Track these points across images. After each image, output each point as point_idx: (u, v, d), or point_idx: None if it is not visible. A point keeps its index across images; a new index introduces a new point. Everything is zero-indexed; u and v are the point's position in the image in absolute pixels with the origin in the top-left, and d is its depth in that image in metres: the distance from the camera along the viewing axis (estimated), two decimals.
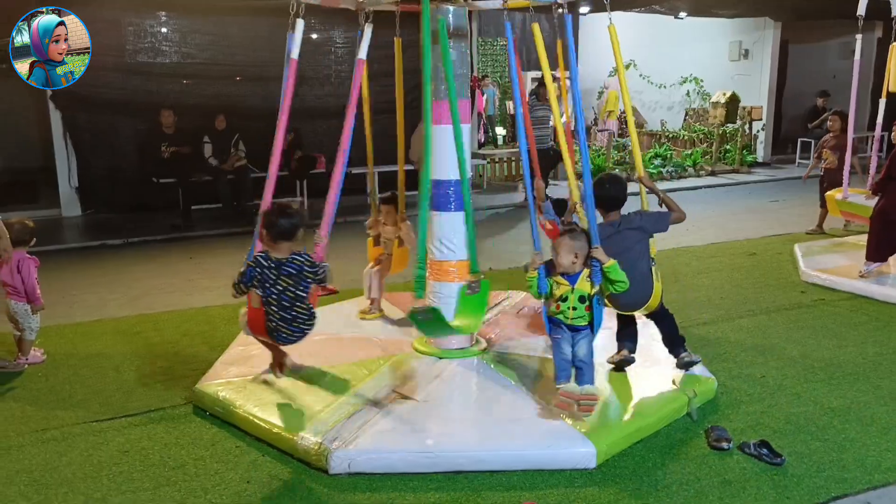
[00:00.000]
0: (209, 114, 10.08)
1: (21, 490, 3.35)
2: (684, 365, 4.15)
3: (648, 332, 4.90)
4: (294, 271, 3.78)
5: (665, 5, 12.55)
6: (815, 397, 4.17)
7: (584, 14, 12.65)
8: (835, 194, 7.44)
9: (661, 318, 4.26)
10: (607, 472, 3.40)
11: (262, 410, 3.82)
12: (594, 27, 12.75)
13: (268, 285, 3.77)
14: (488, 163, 12.27)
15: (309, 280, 3.83)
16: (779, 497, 3.20)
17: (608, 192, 4.10)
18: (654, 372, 4.26)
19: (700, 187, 12.32)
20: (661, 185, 12.05)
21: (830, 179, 8.04)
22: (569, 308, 3.78)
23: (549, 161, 11.45)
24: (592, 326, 3.81)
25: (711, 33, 14.97)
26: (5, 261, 4.68)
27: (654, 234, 4.15)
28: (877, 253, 6.25)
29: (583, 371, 3.74)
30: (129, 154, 10.28)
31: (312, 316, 3.91)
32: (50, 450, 3.71)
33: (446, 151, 4.29)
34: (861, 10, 7.22)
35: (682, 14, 13.36)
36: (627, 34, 14.84)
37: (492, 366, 4.32)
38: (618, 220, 4.10)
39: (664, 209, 4.23)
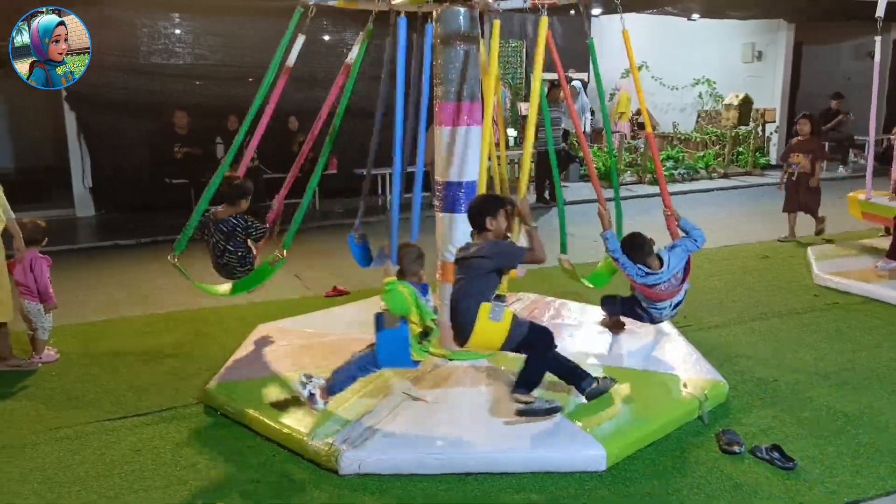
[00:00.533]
0: (222, 115, 10.11)
1: (34, 488, 3.38)
2: (521, 412, 3.68)
3: (660, 335, 4.89)
4: (227, 229, 4.71)
5: (678, 7, 12.51)
6: (828, 402, 4.14)
7: (597, 16, 12.63)
8: (857, 195, 7.47)
9: (526, 353, 3.81)
10: (618, 475, 3.39)
11: (273, 411, 3.83)
12: (606, 28, 12.73)
13: (206, 236, 4.79)
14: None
15: (240, 238, 4.72)
16: (790, 502, 3.18)
17: (468, 212, 3.87)
18: (665, 376, 4.24)
19: (712, 189, 12.26)
20: (674, 188, 12.02)
21: (803, 185, 7.90)
22: None
23: (559, 162, 11.44)
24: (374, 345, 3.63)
25: (724, 35, 14.89)
26: (18, 260, 4.71)
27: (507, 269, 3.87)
28: None
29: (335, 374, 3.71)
30: (142, 155, 10.33)
31: (245, 263, 4.79)
32: (63, 448, 3.74)
33: (458, 153, 4.29)
34: (880, 11, 7.18)
35: (695, 15, 13.29)
36: (639, 35, 14.79)
37: (502, 367, 4.31)
38: (477, 243, 3.80)
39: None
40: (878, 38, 7.25)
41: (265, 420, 3.79)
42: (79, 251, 8.32)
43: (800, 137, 8.11)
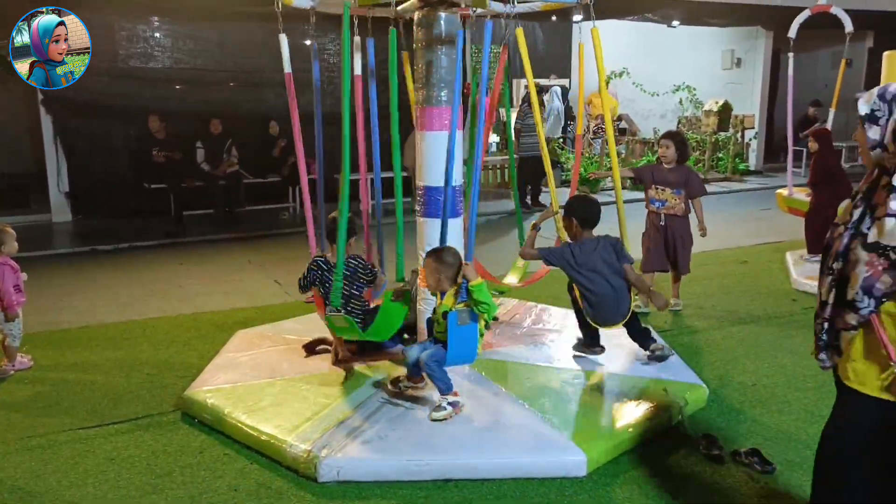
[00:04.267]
0: (201, 119, 10.06)
1: (4, 498, 3.31)
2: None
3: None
4: (349, 273, 4.26)
5: (658, 14, 12.63)
6: (806, 405, 4.16)
7: (578, 22, 12.71)
8: (783, 192, 7.99)
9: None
10: (598, 481, 3.38)
11: (251, 418, 3.79)
12: (587, 35, 12.83)
13: (327, 285, 4.22)
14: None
15: (362, 281, 4.37)
16: None
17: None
18: (646, 380, 4.25)
19: None
20: None
21: (678, 229, 5.69)
22: (435, 321, 3.84)
23: (540, 168, 11.47)
24: (445, 344, 3.72)
25: (704, 42, 15.05)
26: None
27: None
28: (816, 246, 6.84)
29: (431, 376, 3.79)
30: (120, 160, 10.25)
31: (367, 312, 4.36)
32: (35, 457, 3.66)
33: (438, 158, 4.28)
34: (792, 32, 7.90)
35: (675, 22, 13.43)
36: (621, 42, 14.96)
37: (483, 374, 4.30)
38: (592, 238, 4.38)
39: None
40: (790, 55, 7.89)
41: (243, 427, 3.74)
42: (55, 257, 8.22)
43: (665, 165, 5.71)
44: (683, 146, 5.70)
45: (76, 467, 3.56)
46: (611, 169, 4.70)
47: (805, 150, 13.02)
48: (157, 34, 10.40)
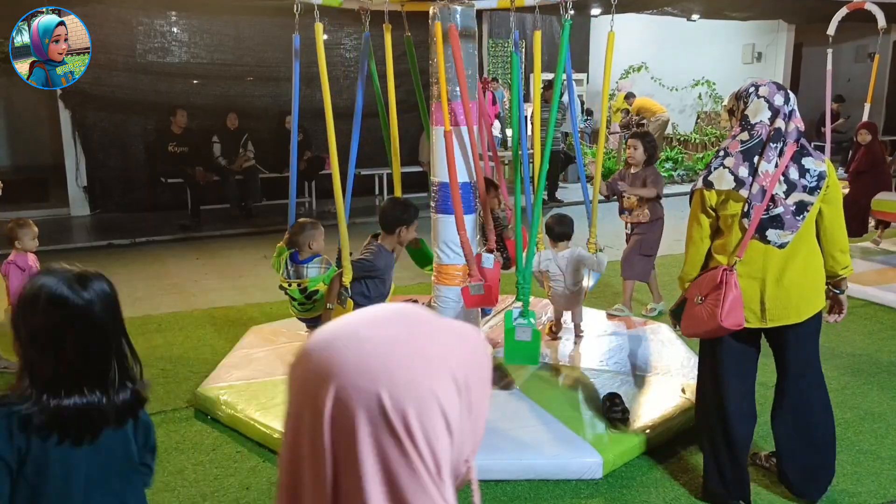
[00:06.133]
0: (218, 114, 10.06)
1: None
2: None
3: (658, 339, 4.83)
4: None
5: (677, 7, 12.46)
6: None
7: (596, 16, 12.59)
8: None
9: None
10: (614, 483, 3.32)
11: (264, 415, 3.77)
12: (605, 30, 12.72)
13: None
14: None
15: None
16: None
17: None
18: (663, 381, 4.18)
19: None
20: (672, 189, 11.96)
21: (644, 237, 5.35)
22: None
23: (559, 164, 11.40)
24: None
25: (724, 36, 14.85)
26: None
27: None
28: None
29: None
30: (137, 154, 10.28)
31: None
32: None
33: (453, 154, 4.23)
34: (832, 30, 7.62)
35: (695, 16, 13.26)
36: (639, 36, 14.79)
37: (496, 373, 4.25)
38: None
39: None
40: (829, 51, 7.63)
41: (256, 424, 3.72)
42: (73, 251, 8.25)
43: (632, 168, 5.42)
44: (652, 147, 5.41)
45: None
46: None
47: (825, 145, 12.85)
48: (175, 29, 10.40)
